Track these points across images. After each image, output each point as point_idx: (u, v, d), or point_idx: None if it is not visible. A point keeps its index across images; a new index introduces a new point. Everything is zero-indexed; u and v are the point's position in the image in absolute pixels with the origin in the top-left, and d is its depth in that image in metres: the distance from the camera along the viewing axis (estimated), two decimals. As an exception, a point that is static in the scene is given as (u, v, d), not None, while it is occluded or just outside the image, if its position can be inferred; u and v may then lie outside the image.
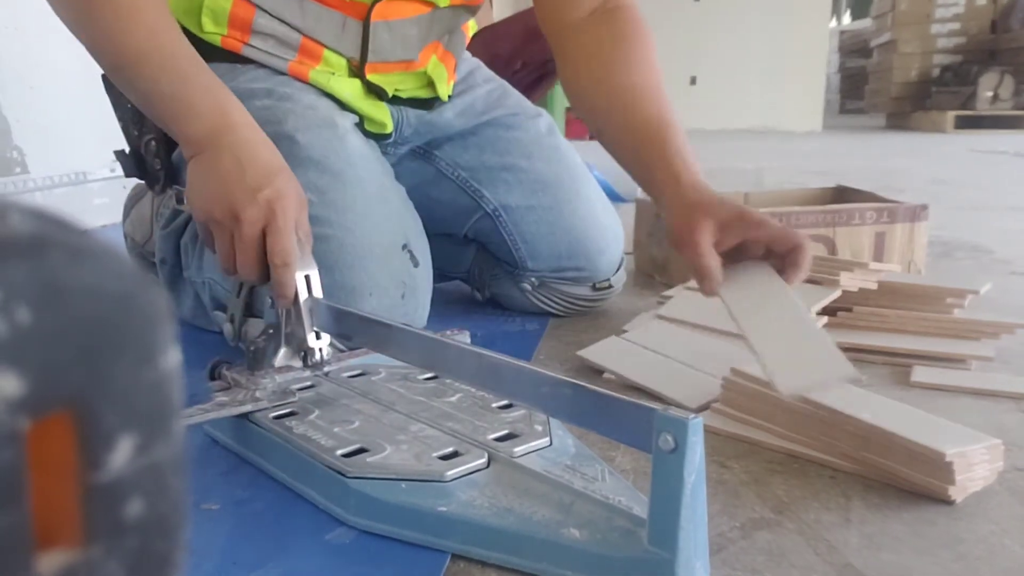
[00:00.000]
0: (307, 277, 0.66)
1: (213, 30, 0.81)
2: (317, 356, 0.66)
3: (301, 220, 0.67)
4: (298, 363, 0.66)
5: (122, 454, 0.15)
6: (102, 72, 0.85)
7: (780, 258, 0.65)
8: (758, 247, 0.66)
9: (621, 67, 0.80)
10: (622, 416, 0.42)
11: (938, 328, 0.83)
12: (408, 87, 0.91)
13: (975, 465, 0.54)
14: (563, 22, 0.84)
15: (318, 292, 0.66)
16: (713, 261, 0.64)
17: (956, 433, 0.55)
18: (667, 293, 0.93)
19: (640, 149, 0.75)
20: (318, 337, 0.65)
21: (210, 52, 0.81)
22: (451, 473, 0.50)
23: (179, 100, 0.67)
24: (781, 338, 0.60)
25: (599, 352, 0.80)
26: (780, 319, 0.62)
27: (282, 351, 0.66)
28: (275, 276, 0.64)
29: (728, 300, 0.64)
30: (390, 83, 0.89)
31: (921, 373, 0.76)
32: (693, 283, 0.92)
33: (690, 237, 0.65)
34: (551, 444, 0.53)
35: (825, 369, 0.58)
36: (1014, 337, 0.83)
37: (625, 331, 0.88)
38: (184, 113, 0.67)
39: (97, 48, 0.68)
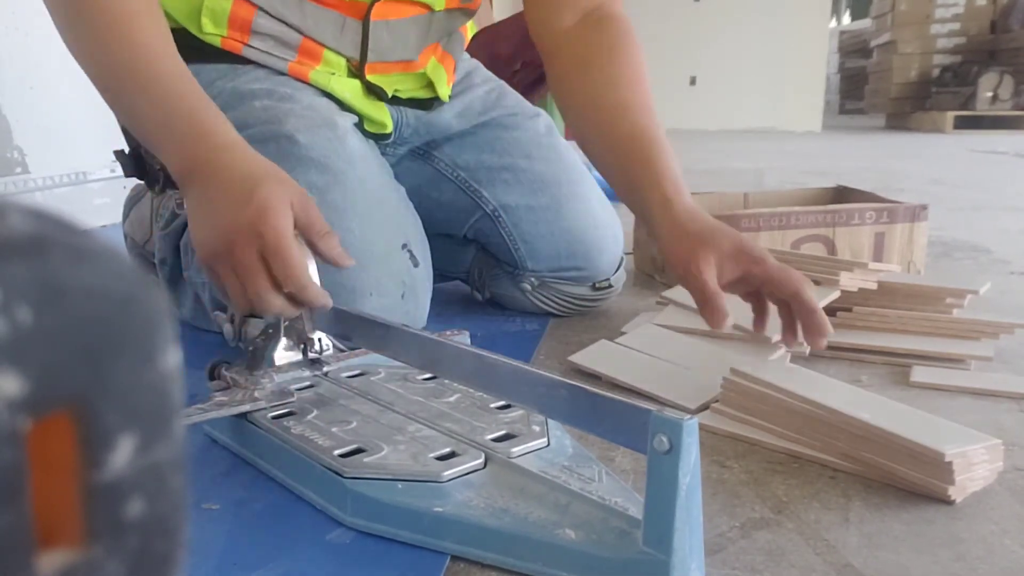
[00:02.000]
0: None
1: (213, 31, 0.81)
2: (317, 346, 0.64)
3: (311, 217, 0.61)
4: (297, 355, 0.66)
5: (123, 454, 0.15)
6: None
7: (776, 299, 0.66)
8: (755, 280, 0.66)
9: (609, 82, 0.79)
10: (618, 417, 0.42)
11: (937, 328, 0.83)
12: (407, 87, 0.91)
13: (975, 465, 0.54)
14: (553, 30, 0.84)
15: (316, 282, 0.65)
16: (720, 296, 0.64)
17: (956, 433, 0.55)
18: (667, 293, 0.93)
19: (627, 168, 0.74)
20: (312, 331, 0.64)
21: (210, 53, 0.81)
22: (448, 473, 0.50)
23: (157, 123, 0.64)
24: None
25: (591, 356, 0.80)
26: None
27: (281, 342, 0.65)
28: (298, 299, 0.59)
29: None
30: (389, 83, 0.89)
31: (921, 373, 0.76)
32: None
33: (695, 270, 0.64)
34: (548, 445, 0.53)
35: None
36: (1013, 337, 0.84)
37: (624, 332, 0.88)
38: (165, 141, 0.64)
39: (85, 60, 0.66)
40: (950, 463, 0.52)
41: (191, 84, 0.65)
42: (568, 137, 1.07)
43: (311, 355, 0.65)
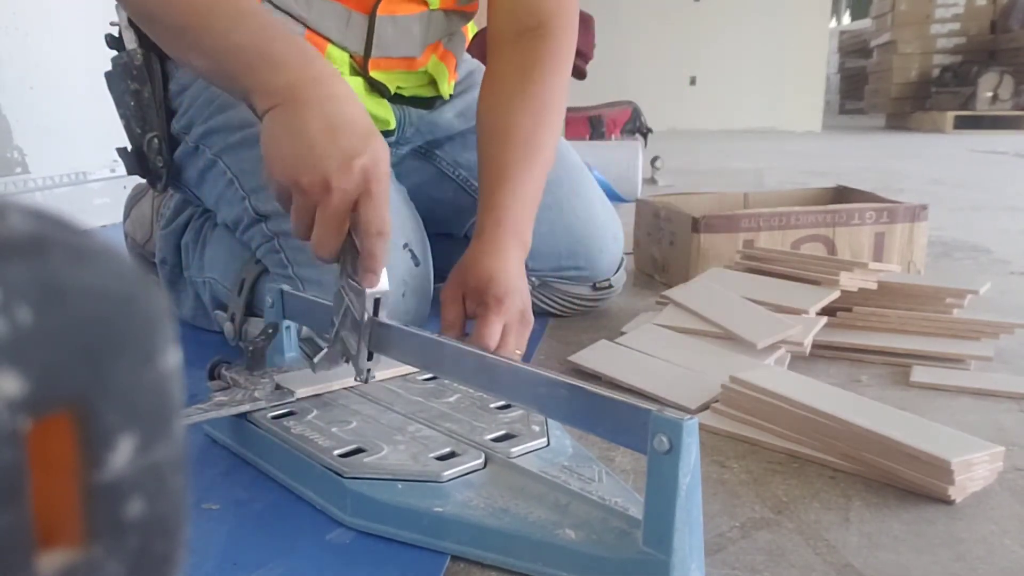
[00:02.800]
0: (377, 300, 0.58)
1: None
2: (364, 376, 0.60)
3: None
4: (338, 365, 0.61)
5: (123, 454, 0.15)
6: (104, 70, 0.85)
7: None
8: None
9: (515, 102, 0.81)
10: (618, 417, 0.42)
11: (938, 328, 0.83)
12: (409, 85, 0.91)
13: (975, 466, 0.54)
14: (495, 37, 0.86)
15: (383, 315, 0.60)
16: (452, 310, 0.71)
17: (958, 440, 0.55)
18: (667, 293, 0.93)
19: (486, 183, 0.78)
20: (370, 357, 0.59)
21: None
22: (448, 473, 0.50)
23: (257, 50, 0.61)
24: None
25: (591, 356, 0.80)
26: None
27: (324, 351, 0.61)
28: (367, 247, 0.57)
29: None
30: (392, 81, 0.89)
31: (921, 373, 0.76)
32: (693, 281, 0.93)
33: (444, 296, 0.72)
34: (548, 445, 0.53)
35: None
36: (1013, 337, 0.84)
37: (624, 332, 0.88)
38: (263, 64, 0.61)
39: (162, 7, 0.64)
40: (952, 470, 0.52)
41: (280, 21, 0.64)
42: (568, 136, 1.08)
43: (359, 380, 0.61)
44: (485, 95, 0.83)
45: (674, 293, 0.92)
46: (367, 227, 0.57)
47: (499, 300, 0.68)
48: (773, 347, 0.78)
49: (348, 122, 0.59)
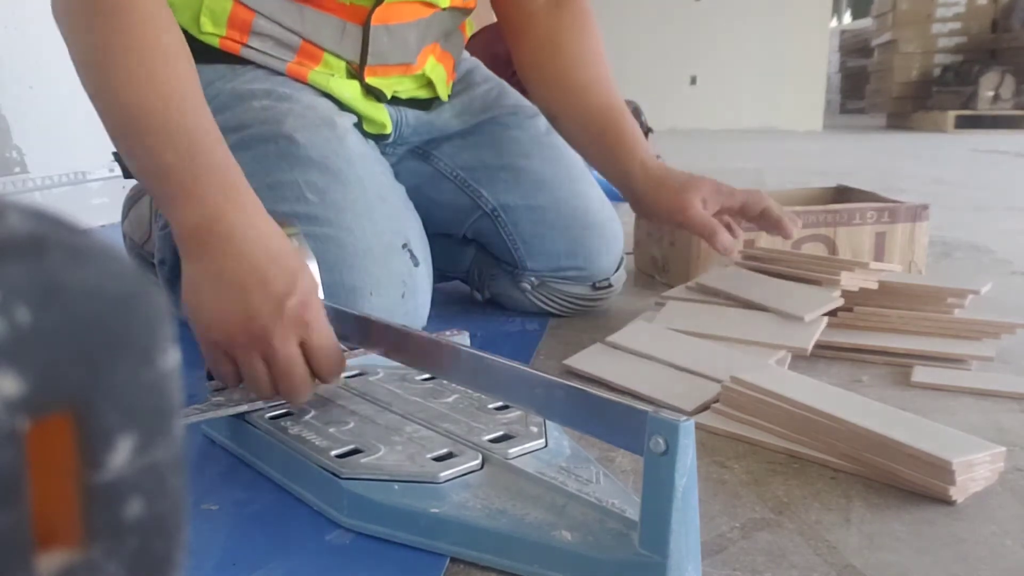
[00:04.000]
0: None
1: (212, 31, 0.81)
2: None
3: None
4: None
5: (122, 454, 0.15)
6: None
7: (756, 219, 0.84)
8: (732, 210, 0.84)
9: (578, 60, 0.89)
10: (614, 418, 0.42)
11: (939, 328, 0.83)
12: (406, 88, 0.91)
13: (976, 466, 0.54)
14: (520, 10, 0.91)
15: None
16: (720, 225, 0.81)
17: (959, 440, 0.55)
18: (667, 293, 0.93)
19: (602, 139, 0.86)
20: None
21: (208, 54, 0.81)
22: (444, 474, 0.50)
23: (181, 180, 0.58)
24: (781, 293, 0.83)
25: (586, 360, 0.79)
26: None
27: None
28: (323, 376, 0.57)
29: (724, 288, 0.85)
30: (388, 86, 0.89)
31: (922, 373, 0.76)
32: (693, 283, 0.93)
33: (692, 211, 0.80)
34: (546, 446, 0.53)
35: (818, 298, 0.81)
36: (1015, 337, 0.83)
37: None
38: (183, 196, 0.58)
39: (103, 98, 0.61)
40: (953, 470, 0.52)
41: (220, 141, 0.61)
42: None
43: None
44: (545, 56, 0.90)
45: (675, 293, 0.92)
46: (324, 377, 0.57)
47: (729, 187, 0.83)
48: (774, 348, 0.78)
49: (274, 261, 0.56)
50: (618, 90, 0.89)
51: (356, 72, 0.86)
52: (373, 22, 0.83)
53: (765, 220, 0.84)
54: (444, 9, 0.88)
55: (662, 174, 0.83)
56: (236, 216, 0.57)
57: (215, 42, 0.81)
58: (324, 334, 0.56)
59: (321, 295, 0.64)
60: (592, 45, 0.90)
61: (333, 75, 0.85)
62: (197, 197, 0.57)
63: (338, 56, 0.84)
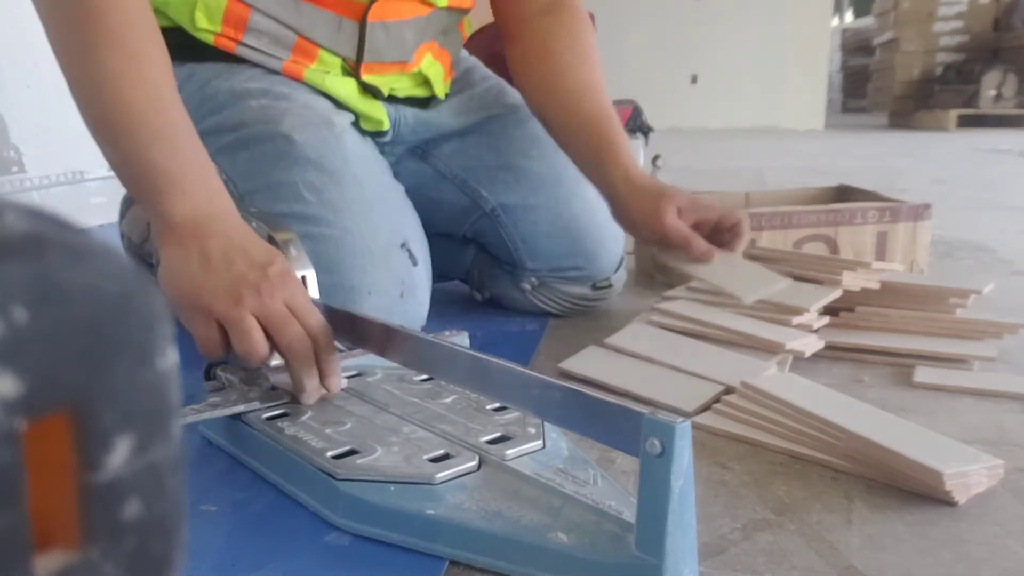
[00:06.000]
0: (303, 278, 0.65)
1: (206, 27, 0.80)
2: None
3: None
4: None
5: (120, 455, 0.15)
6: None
7: (724, 232, 0.84)
8: (707, 226, 0.84)
9: (570, 65, 0.90)
10: (610, 420, 0.42)
11: (940, 328, 0.83)
12: (403, 86, 0.91)
13: (970, 477, 0.53)
14: (515, 15, 0.92)
15: (315, 293, 0.66)
16: (695, 235, 0.82)
17: (955, 451, 0.55)
18: (667, 293, 0.93)
19: (589, 143, 0.87)
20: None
21: (204, 53, 0.81)
22: (441, 476, 0.50)
23: (168, 175, 0.61)
24: (734, 274, 0.83)
25: (582, 362, 0.79)
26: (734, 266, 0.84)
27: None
28: (318, 356, 0.59)
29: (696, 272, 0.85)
30: (385, 83, 0.89)
31: (923, 373, 0.76)
32: (694, 284, 0.92)
33: (665, 219, 0.81)
34: (544, 447, 0.53)
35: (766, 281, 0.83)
36: (1017, 337, 0.83)
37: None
38: (170, 190, 0.61)
39: (87, 97, 0.63)
40: (949, 492, 0.52)
41: (199, 142, 0.64)
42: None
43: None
44: (537, 60, 0.91)
45: (675, 293, 0.92)
46: (316, 336, 0.59)
47: (706, 201, 0.85)
48: (774, 349, 0.78)
49: (256, 242, 0.62)
50: (607, 98, 0.89)
51: (352, 69, 0.86)
52: (370, 18, 0.83)
53: (730, 233, 0.84)
54: (441, 8, 0.88)
55: (641, 183, 0.84)
56: (218, 208, 0.62)
57: (209, 39, 0.81)
58: (307, 300, 0.60)
59: (316, 294, 0.65)
60: (584, 51, 0.91)
61: (329, 72, 0.85)
62: (185, 191, 0.61)
63: (334, 53, 0.84)
